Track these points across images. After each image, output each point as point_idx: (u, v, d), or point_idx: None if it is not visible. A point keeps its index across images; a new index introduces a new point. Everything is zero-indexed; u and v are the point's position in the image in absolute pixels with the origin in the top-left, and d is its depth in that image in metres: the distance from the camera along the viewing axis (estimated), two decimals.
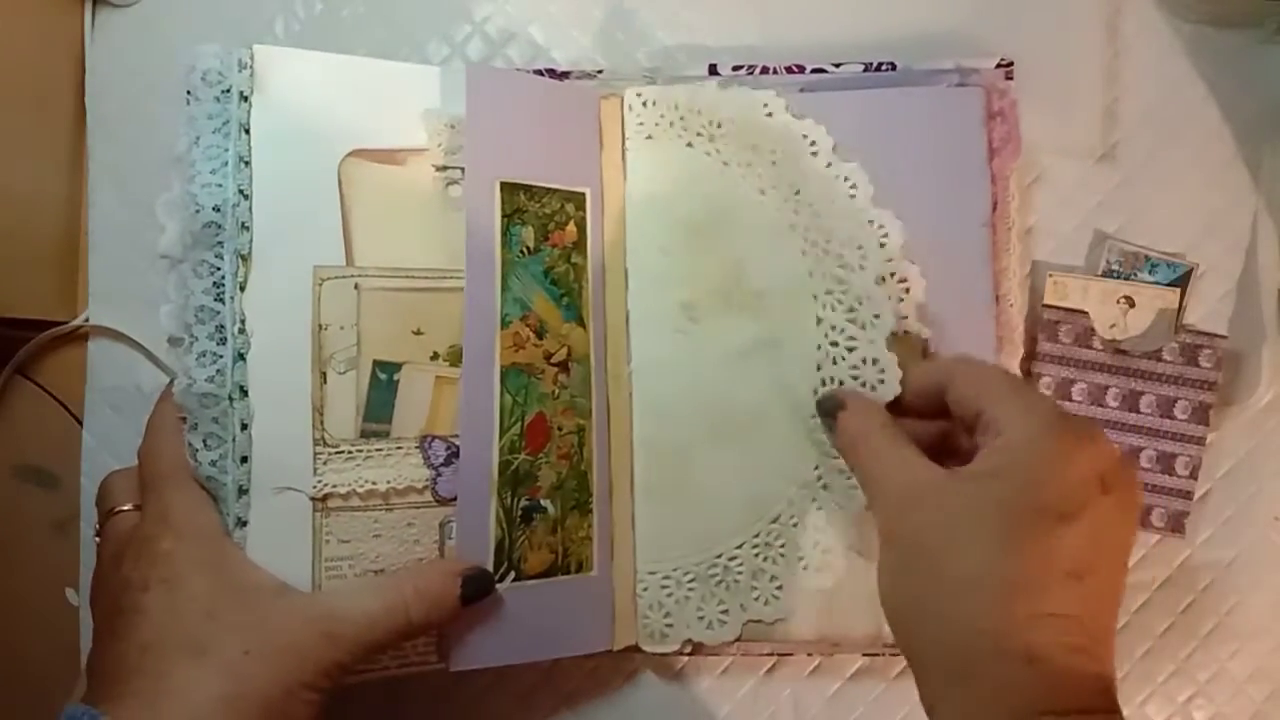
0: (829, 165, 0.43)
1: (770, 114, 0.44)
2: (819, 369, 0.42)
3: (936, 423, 0.38)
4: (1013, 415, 0.33)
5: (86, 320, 0.46)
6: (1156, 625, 0.46)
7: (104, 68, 0.46)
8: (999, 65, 0.45)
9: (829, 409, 0.39)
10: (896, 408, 0.39)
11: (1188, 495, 0.45)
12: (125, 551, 0.36)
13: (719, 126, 0.44)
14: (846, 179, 0.43)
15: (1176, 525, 0.45)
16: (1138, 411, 0.45)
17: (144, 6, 0.47)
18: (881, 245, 0.43)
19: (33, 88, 0.44)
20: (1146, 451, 0.45)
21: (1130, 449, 0.45)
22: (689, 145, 0.44)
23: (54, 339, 0.46)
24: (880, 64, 0.45)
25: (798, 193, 0.43)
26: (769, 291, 0.43)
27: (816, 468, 0.42)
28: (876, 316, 0.42)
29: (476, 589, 0.38)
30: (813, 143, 0.44)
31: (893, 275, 0.43)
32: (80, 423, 0.46)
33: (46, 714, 0.45)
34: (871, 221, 0.43)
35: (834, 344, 0.42)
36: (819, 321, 0.43)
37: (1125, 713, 0.46)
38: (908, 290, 0.43)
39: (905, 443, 0.35)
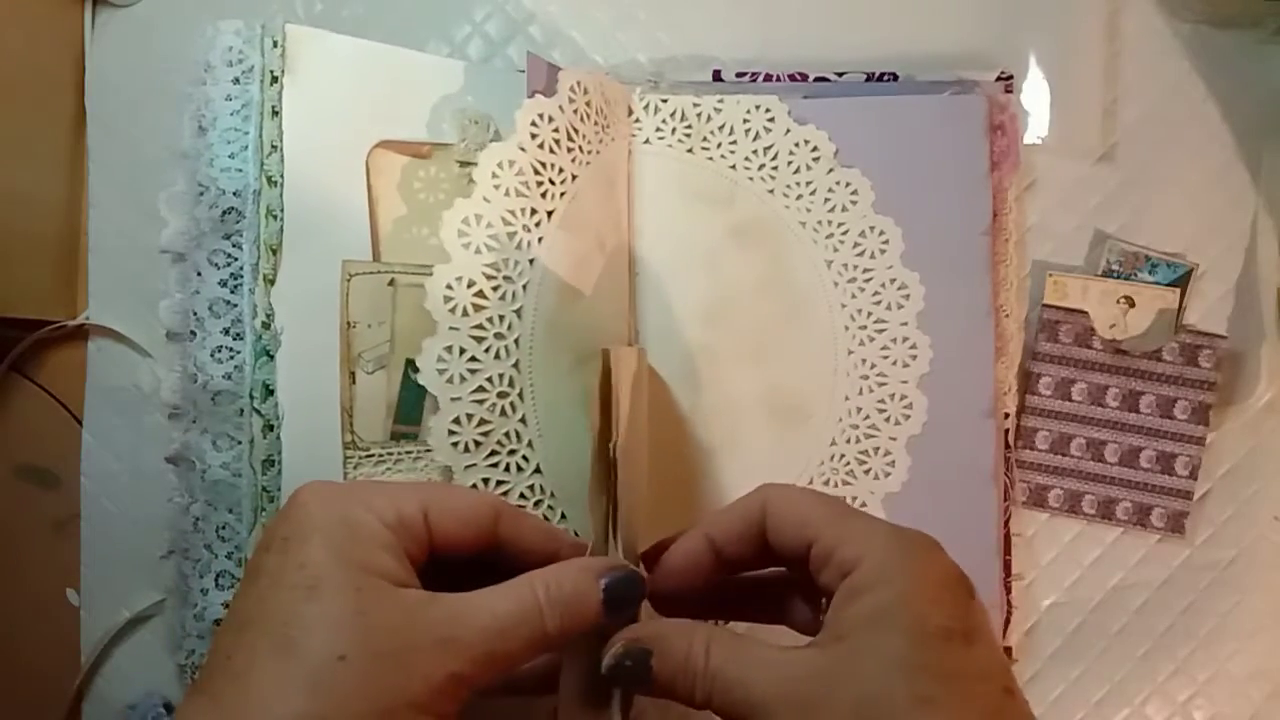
0: (830, 171, 0.44)
1: (772, 119, 0.44)
2: (850, 353, 0.43)
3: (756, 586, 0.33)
4: (856, 543, 0.28)
5: (87, 319, 0.46)
6: (1156, 625, 0.46)
7: (104, 68, 0.46)
8: (999, 78, 0.45)
9: (637, 659, 0.29)
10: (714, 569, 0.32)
11: (1187, 495, 0.45)
12: None
13: (722, 131, 0.44)
14: (848, 185, 0.44)
15: (1176, 525, 0.45)
16: (1138, 411, 0.45)
17: (144, 6, 0.47)
18: (882, 252, 0.43)
19: (33, 88, 0.44)
20: (1146, 451, 0.45)
21: (1130, 449, 0.45)
22: (689, 151, 0.44)
23: (54, 338, 0.46)
24: (882, 74, 0.45)
25: (800, 196, 0.44)
26: (785, 281, 0.44)
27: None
28: (906, 296, 0.43)
29: (623, 593, 0.30)
30: (815, 148, 0.44)
31: (893, 282, 0.43)
32: (80, 422, 0.46)
33: (47, 714, 0.45)
34: (873, 228, 0.43)
35: (862, 327, 0.43)
36: (842, 308, 0.43)
37: (1125, 713, 0.46)
38: (907, 297, 0.43)
39: (748, 644, 0.28)
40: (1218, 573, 0.46)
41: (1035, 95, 0.47)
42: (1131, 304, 0.45)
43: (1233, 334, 0.46)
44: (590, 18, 0.48)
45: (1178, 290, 0.46)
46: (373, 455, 0.38)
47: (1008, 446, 0.45)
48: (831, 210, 0.44)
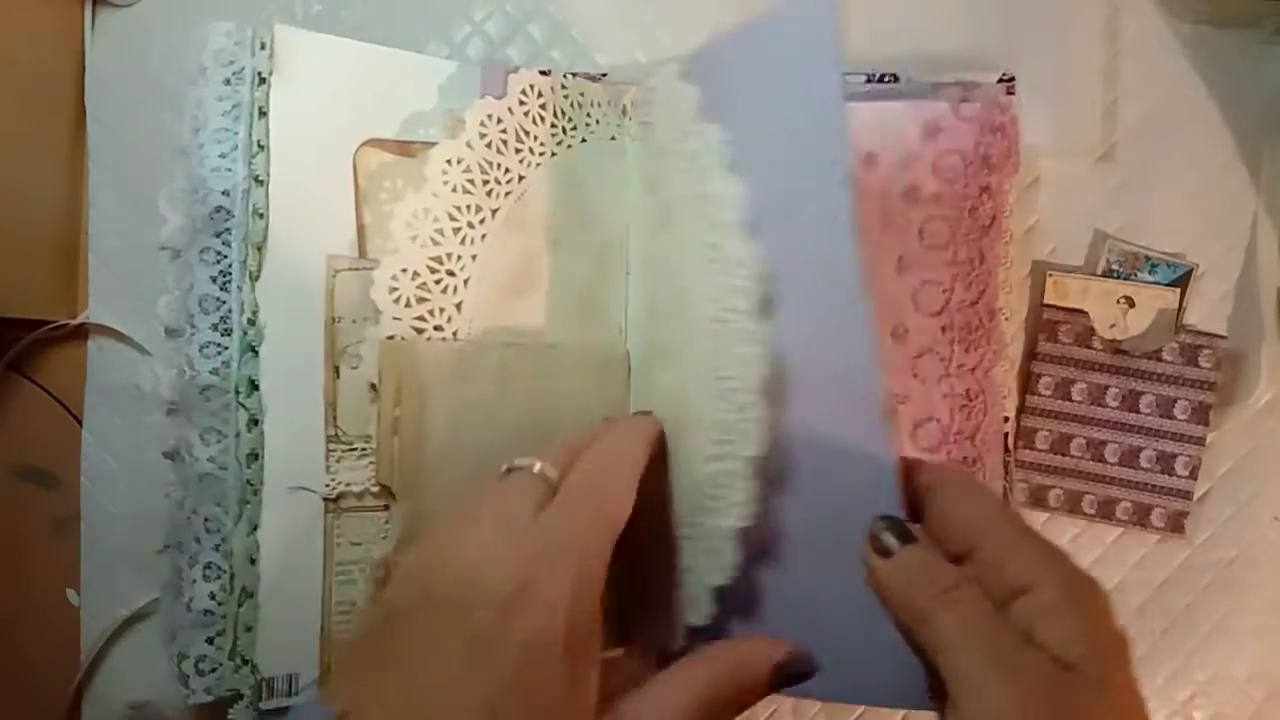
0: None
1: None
2: None
3: None
4: (1031, 568, 0.28)
5: (87, 319, 0.46)
6: (1156, 625, 0.46)
7: (104, 68, 0.46)
8: (1000, 80, 0.45)
9: (899, 531, 0.30)
10: None
11: (1187, 495, 0.45)
12: None
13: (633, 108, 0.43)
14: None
15: (1176, 525, 0.45)
16: (1138, 411, 0.45)
17: (144, 6, 0.47)
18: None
19: (33, 88, 0.44)
20: (1146, 451, 0.45)
21: (1130, 449, 0.45)
22: (613, 139, 0.43)
23: (54, 338, 0.46)
24: (883, 75, 0.45)
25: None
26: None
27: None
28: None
29: (793, 675, 0.30)
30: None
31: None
32: (80, 422, 0.46)
33: (47, 714, 0.45)
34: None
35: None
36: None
37: None
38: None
39: (985, 612, 0.28)
40: (1218, 573, 0.46)
41: (1035, 96, 0.47)
42: (1131, 304, 0.45)
43: (1233, 334, 0.46)
44: (590, 18, 0.48)
45: (1178, 290, 0.46)
46: (355, 449, 0.38)
47: (1007, 450, 0.45)
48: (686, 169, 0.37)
